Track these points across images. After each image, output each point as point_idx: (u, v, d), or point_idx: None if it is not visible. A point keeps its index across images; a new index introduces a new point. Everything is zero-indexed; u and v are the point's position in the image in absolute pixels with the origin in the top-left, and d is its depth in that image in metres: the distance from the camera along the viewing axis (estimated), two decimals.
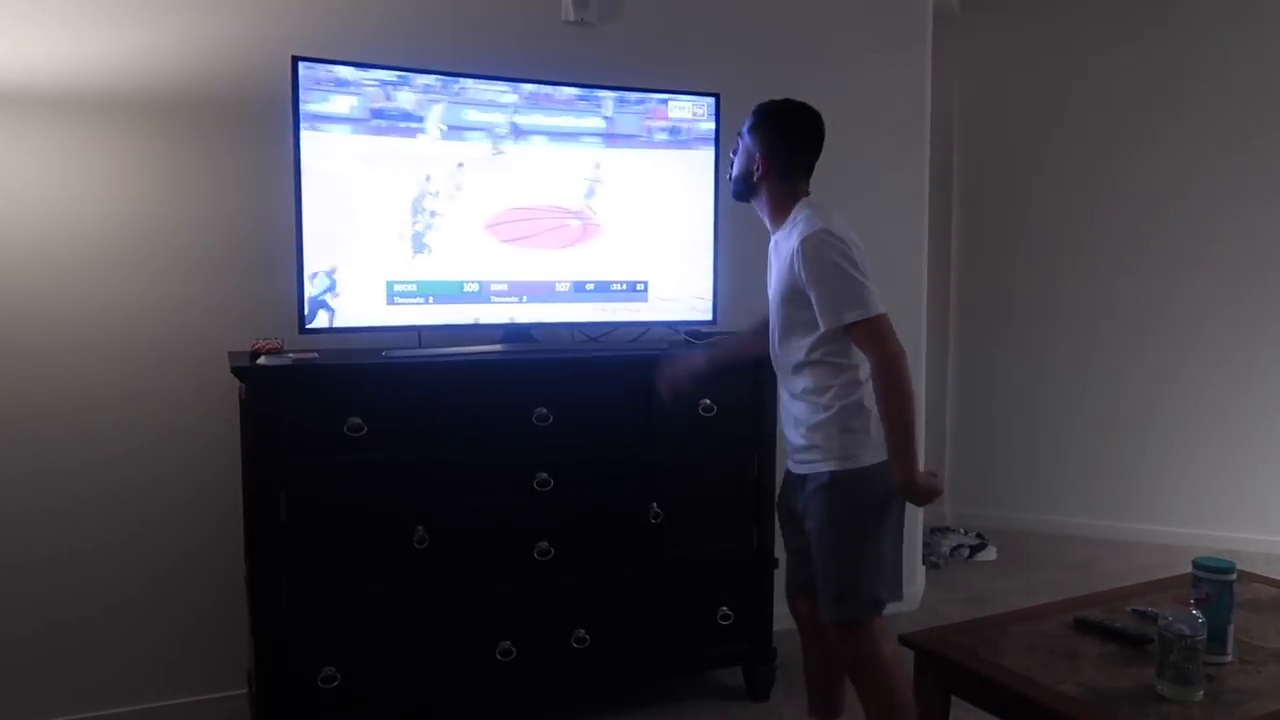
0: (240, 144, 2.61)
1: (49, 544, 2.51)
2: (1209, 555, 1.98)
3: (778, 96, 2.20)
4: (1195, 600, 1.88)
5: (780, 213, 2.15)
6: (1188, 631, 1.71)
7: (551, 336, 2.80)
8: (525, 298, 2.70)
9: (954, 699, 1.99)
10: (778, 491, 2.38)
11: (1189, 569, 1.99)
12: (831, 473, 2.09)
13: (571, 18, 2.95)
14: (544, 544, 2.54)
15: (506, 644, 2.52)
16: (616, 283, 2.81)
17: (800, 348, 2.12)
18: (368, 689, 2.39)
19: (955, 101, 4.60)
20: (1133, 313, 4.47)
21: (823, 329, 2.03)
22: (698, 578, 2.75)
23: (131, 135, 2.52)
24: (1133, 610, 2.13)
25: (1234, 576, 1.92)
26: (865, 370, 2.06)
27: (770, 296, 2.20)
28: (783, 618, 2.95)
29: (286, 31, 2.60)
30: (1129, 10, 4.40)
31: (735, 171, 2.21)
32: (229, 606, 2.60)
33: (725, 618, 2.77)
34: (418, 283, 2.57)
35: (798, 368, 2.14)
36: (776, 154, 2.13)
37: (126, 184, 2.52)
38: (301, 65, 2.38)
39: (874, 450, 2.07)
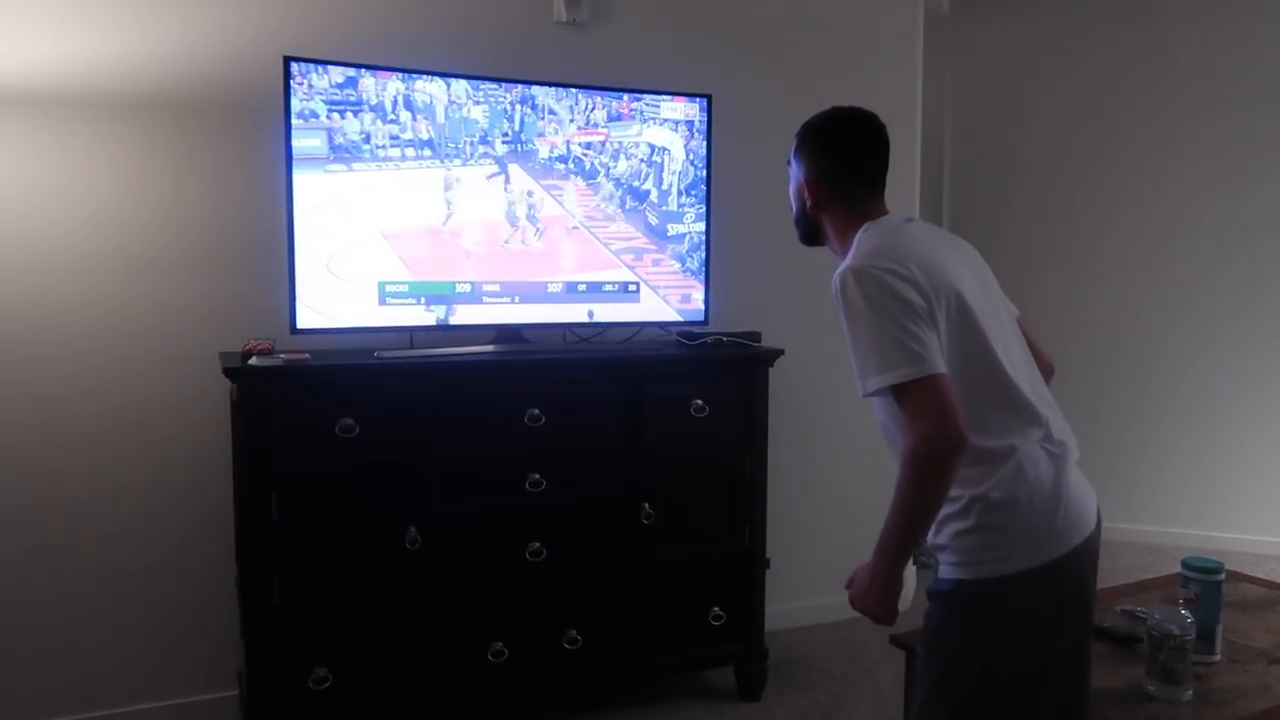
0: (231, 144, 2.60)
1: (39, 544, 2.49)
2: (1197, 555, 1.99)
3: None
4: (1184, 600, 1.89)
5: (847, 247, 1.61)
6: (1176, 631, 1.73)
7: (543, 337, 2.80)
8: (517, 298, 2.70)
9: None
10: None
11: (1177, 569, 2.00)
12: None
13: (563, 18, 2.96)
14: (536, 544, 2.54)
15: (498, 645, 2.52)
16: (608, 283, 2.81)
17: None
18: (360, 690, 2.39)
19: (946, 102, 4.61)
20: (1116, 313, 4.50)
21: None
22: (689, 578, 2.75)
23: (121, 136, 2.51)
24: (1122, 610, 2.15)
25: (1222, 576, 1.93)
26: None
27: None
28: (774, 618, 2.96)
29: (278, 32, 2.59)
30: (1118, 10, 4.42)
31: (794, 213, 1.74)
32: (220, 608, 2.59)
33: (717, 618, 2.77)
34: (409, 283, 2.57)
35: None
36: (824, 175, 1.65)
37: (116, 185, 2.51)
38: (294, 66, 2.38)
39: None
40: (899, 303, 1.40)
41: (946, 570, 1.50)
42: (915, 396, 1.36)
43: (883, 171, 1.67)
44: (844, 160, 1.65)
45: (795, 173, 1.70)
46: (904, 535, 1.42)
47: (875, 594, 1.46)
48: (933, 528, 1.50)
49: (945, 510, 1.46)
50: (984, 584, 1.44)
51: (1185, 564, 1.96)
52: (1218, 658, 1.91)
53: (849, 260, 1.50)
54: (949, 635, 1.49)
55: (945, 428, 1.34)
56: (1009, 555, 1.43)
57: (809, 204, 1.67)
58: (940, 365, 1.38)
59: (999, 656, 1.46)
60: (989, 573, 1.44)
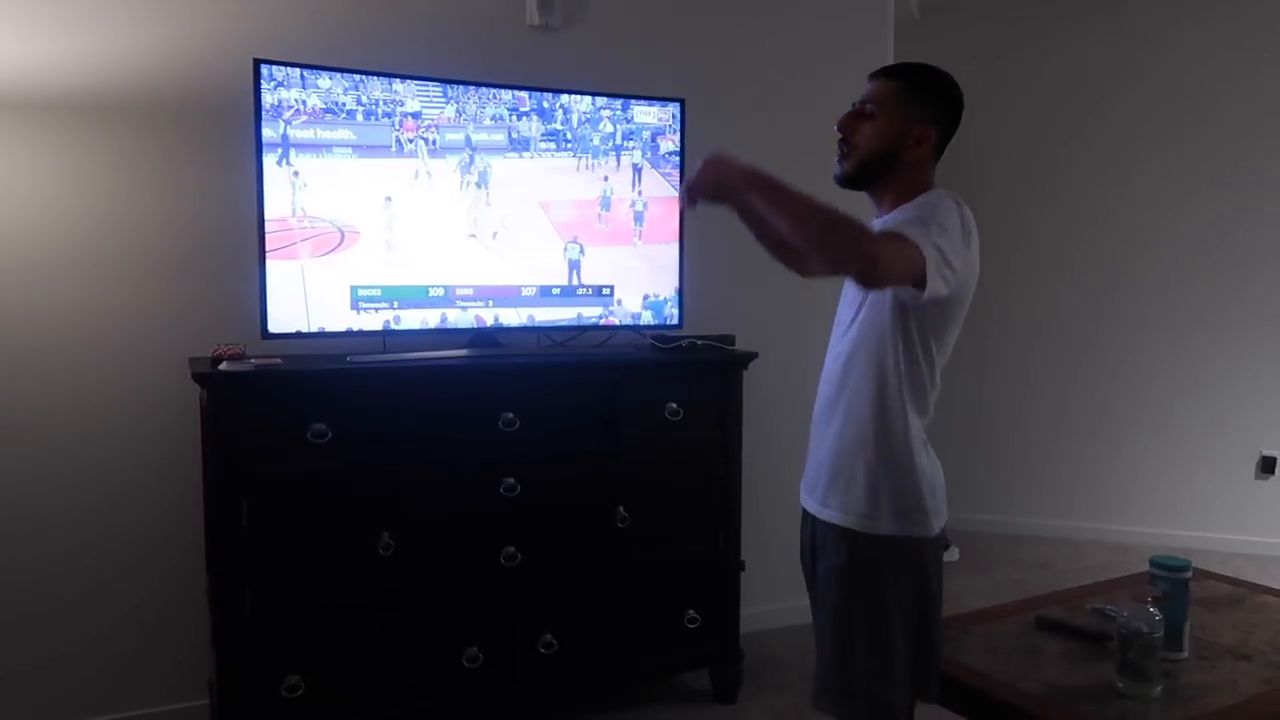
0: (200, 147, 2.57)
1: (4, 554, 2.45)
2: (1165, 554, 2.01)
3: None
4: (1152, 598, 1.91)
5: (899, 201, 1.67)
6: (1145, 629, 1.75)
7: (517, 341, 2.79)
8: (491, 302, 2.69)
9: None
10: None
11: (1146, 567, 2.02)
12: None
13: (536, 22, 2.95)
14: (511, 549, 2.53)
15: (473, 650, 2.51)
16: (582, 287, 2.81)
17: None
18: (333, 698, 2.37)
19: None
20: (1084, 312, 4.56)
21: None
22: (665, 581, 2.75)
23: (89, 138, 2.47)
24: (1092, 609, 2.17)
25: (1189, 574, 1.96)
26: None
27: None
28: (749, 620, 2.97)
29: (247, 34, 2.57)
30: (1087, 15, 4.49)
31: (870, 147, 1.67)
32: (191, 616, 2.56)
33: (692, 621, 2.77)
34: (382, 287, 2.55)
35: None
36: (940, 127, 1.67)
37: (84, 187, 2.48)
38: (264, 68, 2.36)
39: None
40: (965, 239, 1.55)
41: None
42: (918, 266, 1.45)
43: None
44: (954, 126, 1.71)
45: (904, 110, 1.65)
46: (789, 200, 1.47)
47: (736, 174, 1.54)
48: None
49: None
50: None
51: (1153, 562, 1.98)
52: (1186, 654, 1.94)
53: (948, 193, 1.61)
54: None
55: (890, 277, 1.48)
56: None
57: (910, 146, 1.65)
58: (946, 291, 1.52)
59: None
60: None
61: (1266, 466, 4.33)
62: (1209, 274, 4.37)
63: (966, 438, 4.75)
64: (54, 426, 2.49)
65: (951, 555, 4.28)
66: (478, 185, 2.64)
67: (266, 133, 2.38)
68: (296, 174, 2.42)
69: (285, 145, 2.42)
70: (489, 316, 2.69)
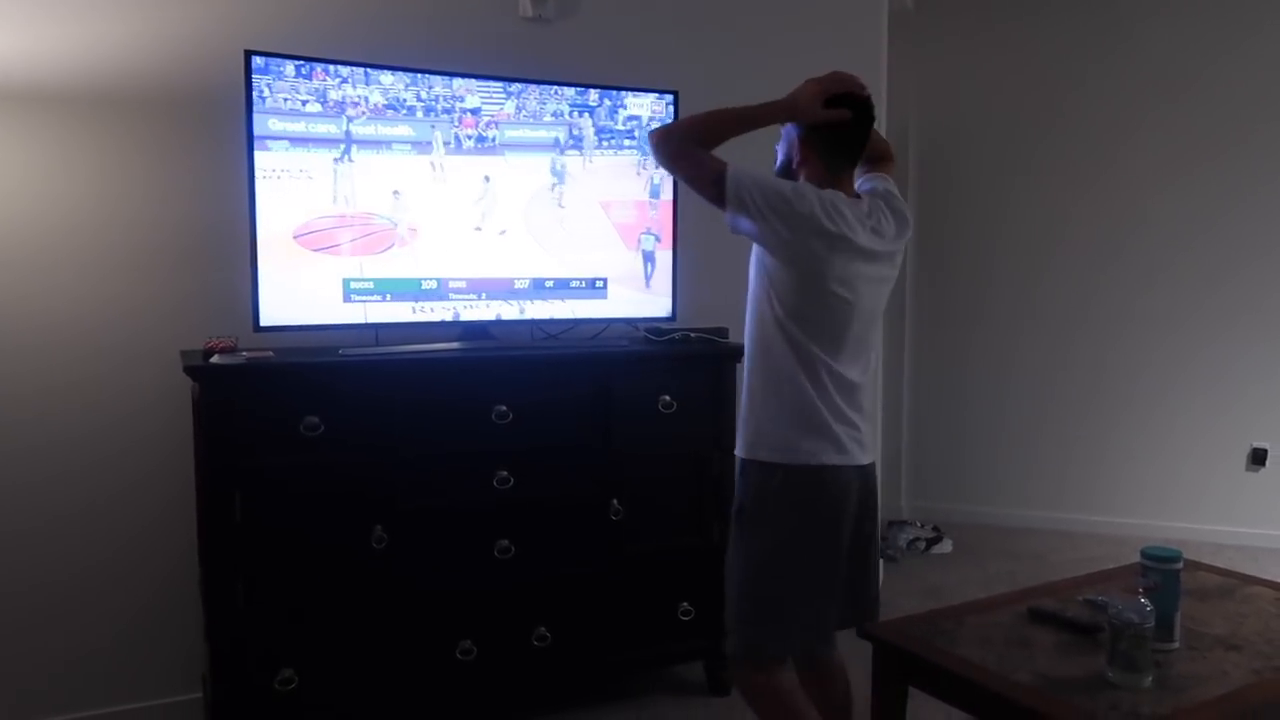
0: (192, 139, 2.56)
1: None
2: (1156, 545, 2.02)
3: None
4: (1143, 589, 1.92)
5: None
6: (1136, 620, 1.75)
7: (510, 334, 2.79)
8: (484, 295, 2.69)
9: (912, 690, 2.01)
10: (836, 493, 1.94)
11: (1137, 559, 2.03)
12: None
13: (529, 14, 2.94)
14: (504, 542, 2.53)
15: (467, 643, 2.51)
16: (576, 280, 2.80)
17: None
18: (327, 691, 2.37)
19: (911, 99, 4.65)
20: (1075, 305, 4.58)
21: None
22: (658, 574, 2.75)
23: (80, 130, 2.46)
24: (1084, 600, 2.17)
25: (1180, 565, 1.96)
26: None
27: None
28: None
29: (239, 25, 2.56)
30: (1082, 5, 4.48)
31: (778, 164, 1.99)
32: (184, 610, 2.55)
33: (686, 613, 2.78)
34: (375, 280, 2.55)
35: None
36: (814, 135, 1.90)
37: (75, 180, 2.47)
38: (256, 60, 2.35)
39: None
40: (793, 201, 1.80)
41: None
42: (709, 171, 1.82)
43: (860, 150, 1.96)
44: (836, 128, 1.91)
45: (788, 129, 1.97)
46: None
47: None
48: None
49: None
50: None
51: (1145, 553, 1.99)
52: (1176, 645, 1.94)
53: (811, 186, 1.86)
54: None
55: (662, 159, 1.92)
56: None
57: (796, 161, 1.94)
58: (740, 212, 1.81)
59: None
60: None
61: (1257, 458, 4.35)
62: (1198, 265, 4.38)
63: (958, 430, 4.77)
64: (45, 421, 2.48)
65: (945, 547, 4.30)
66: (469, 177, 2.63)
67: (325, 128, 2.43)
68: (352, 166, 2.47)
69: (348, 141, 2.46)
70: (482, 309, 2.69)
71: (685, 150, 1.84)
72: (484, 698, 2.56)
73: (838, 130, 1.88)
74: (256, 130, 2.37)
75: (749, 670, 1.97)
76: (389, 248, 2.55)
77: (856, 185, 2.01)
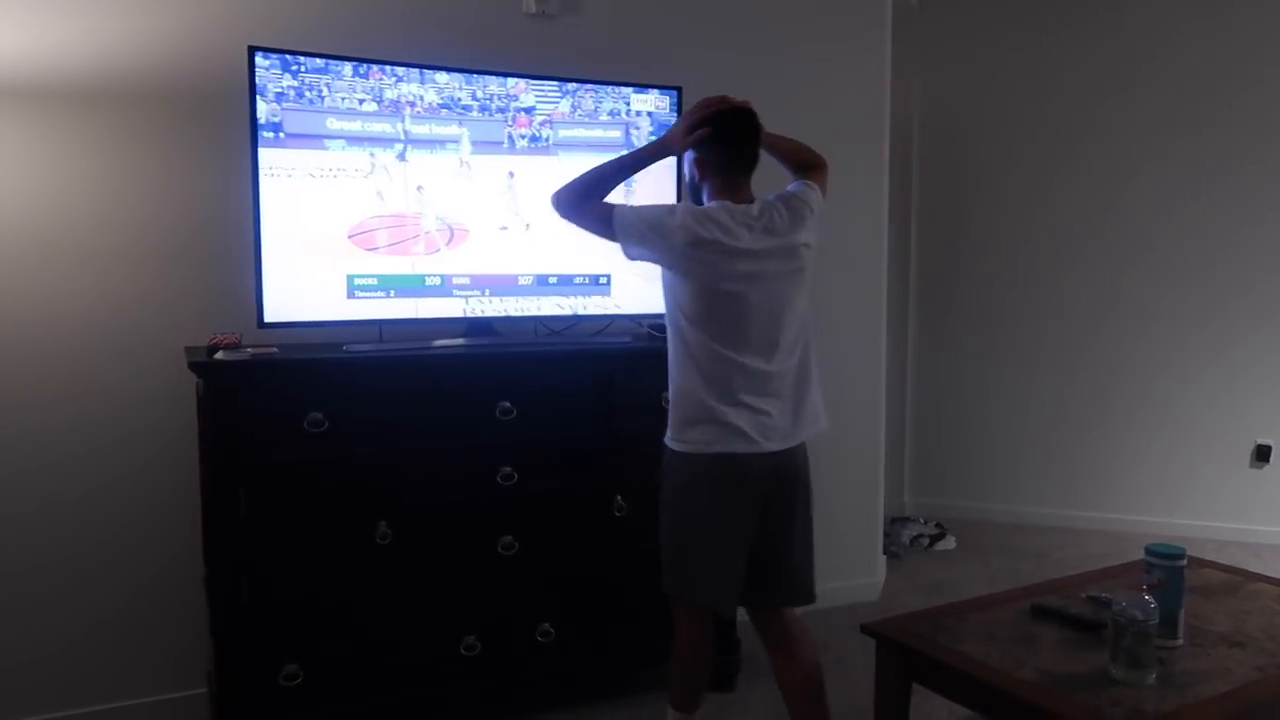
0: (197, 135, 2.56)
1: (1, 545, 2.45)
2: (1160, 542, 2.02)
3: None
4: (1147, 586, 1.92)
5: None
6: (1140, 617, 1.75)
7: (514, 330, 2.79)
8: (487, 291, 2.69)
9: (915, 686, 2.02)
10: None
11: (1141, 556, 2.03)
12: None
13: (533, 10, 2.94)
14: (508, 538, 2.53)
15: (471, 639, 2.51)
16: (579, 276, 2.80)
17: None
18: (331, 686, 2.37)
19: (914, 95, 4.64)
20: (1082, 308, 4.56)
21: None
22: (662, 570, 2.75)
23: (84, 127, 2.46)
24: (1087, 597, 2.18)
25: (1184, 562, 1.96)
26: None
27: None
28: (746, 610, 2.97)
29: (242, 22, 2.56)
30: (1088, 6, 4.47)
31: (687, 183, 2.24)
32: (189, 605, 2.56)
33: None
34: (378, 276, 2.55)
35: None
36: (703, 155, 2.14)
37: (80, 177, 2.47)
38: (259, 56, 2.35)
39: None
40: (656, 227, 2.04)
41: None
42: (608, 225, 2.09)
43: (745, 158, 2.15)
44: (723, 141, 2.13)
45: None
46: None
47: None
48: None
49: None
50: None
51: (1148, 551, 1.99)
52: (1180, 642, 1.94)
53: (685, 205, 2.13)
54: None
55: (563, 211, 2.15)
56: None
57: (697, 177, 2.17)
58: (624, 240, 2.08)
59: None
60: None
61: (1261, 455, 4.34)
62: (1213, 272, 4.35)
63: (960, 427, 4.76)
64: (50, 416, 2.48)
65: (948, 544, 4.30)
66: (474, 174, 2.63)
67: (380, 127, 2.48)
68: (407, 166, 2.52)
69: (406, 141, 2.51)
70: (486, 306, 2.69)
71: (578, 204, 2.13)
72: (488, 692, 2.56)
73: (717, 146, 2.09)
74: (313, 130, 2.41)
75: (673, 602, 2.20)
76: (437, 250, 2.62)
77: (787, 188, 2.19)
